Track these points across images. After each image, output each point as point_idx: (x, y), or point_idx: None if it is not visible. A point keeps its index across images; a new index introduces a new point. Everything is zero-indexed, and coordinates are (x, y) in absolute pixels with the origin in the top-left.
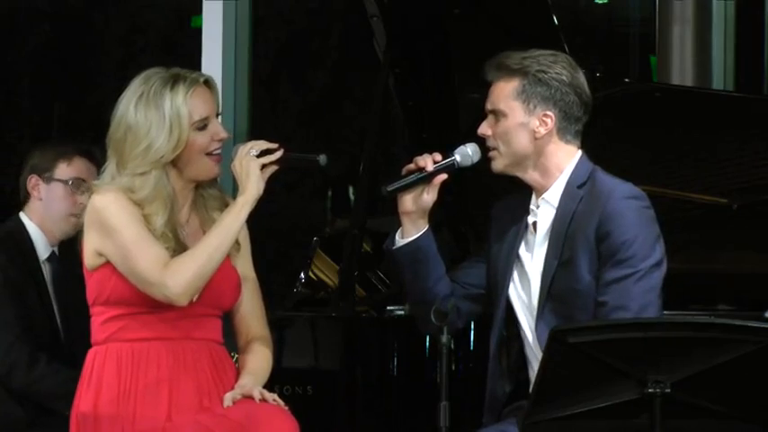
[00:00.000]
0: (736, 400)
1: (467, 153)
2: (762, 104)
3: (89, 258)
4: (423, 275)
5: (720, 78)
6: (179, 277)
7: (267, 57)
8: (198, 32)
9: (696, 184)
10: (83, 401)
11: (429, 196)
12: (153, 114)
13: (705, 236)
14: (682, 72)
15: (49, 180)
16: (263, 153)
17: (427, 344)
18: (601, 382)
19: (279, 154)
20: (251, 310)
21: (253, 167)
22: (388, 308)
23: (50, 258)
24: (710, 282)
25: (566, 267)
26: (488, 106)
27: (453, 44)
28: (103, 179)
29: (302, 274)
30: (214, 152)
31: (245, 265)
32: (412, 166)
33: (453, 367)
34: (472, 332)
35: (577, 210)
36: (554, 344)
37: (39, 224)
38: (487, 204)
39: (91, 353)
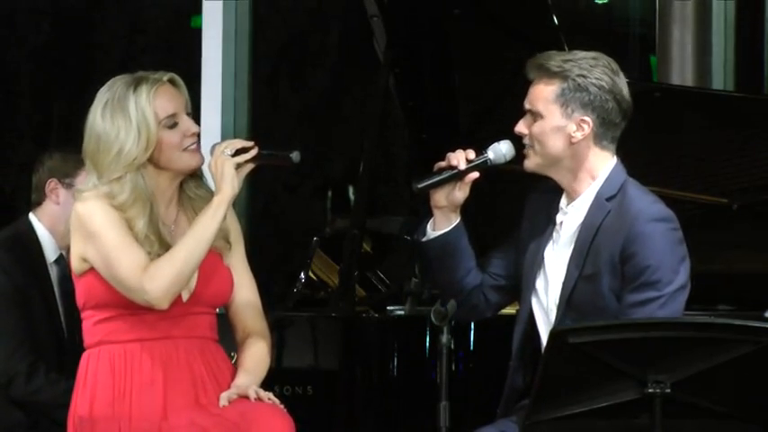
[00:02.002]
0: (736, 400)
1: (500, 151)
2: (762, 104)
3: (76, 264)
4: (451, 268)
5: (720, 78)
6: (157, 282)
7: (267, 56)
8: (198, 32)
9: (696, 184)
10: (79, 405)
11: (461, 193)
12: (119, 119)
13: (705, 236)
14: (682, 72)
15: (69, 186)
16: (238, 152)
17: (427, 344)
18: (601, 382)
19: (254, 152)
20: (246, 305)
21: (227, 167)
22: (388, 308)
23: (58, 261)
24: (710, 282)
25: (588, 281)
26: (526, 105)
27: (453, 44)
28: (87, 188)
29: (302, 274)
30: (189, 147)
31: (238, 261)
32: (443, 163)
33: (453, 367)
34: (472, 332)
35: (603, 223)
36: (554, 344)
37: (49, 227)
38: (492, 215)
39: (84, 356)
